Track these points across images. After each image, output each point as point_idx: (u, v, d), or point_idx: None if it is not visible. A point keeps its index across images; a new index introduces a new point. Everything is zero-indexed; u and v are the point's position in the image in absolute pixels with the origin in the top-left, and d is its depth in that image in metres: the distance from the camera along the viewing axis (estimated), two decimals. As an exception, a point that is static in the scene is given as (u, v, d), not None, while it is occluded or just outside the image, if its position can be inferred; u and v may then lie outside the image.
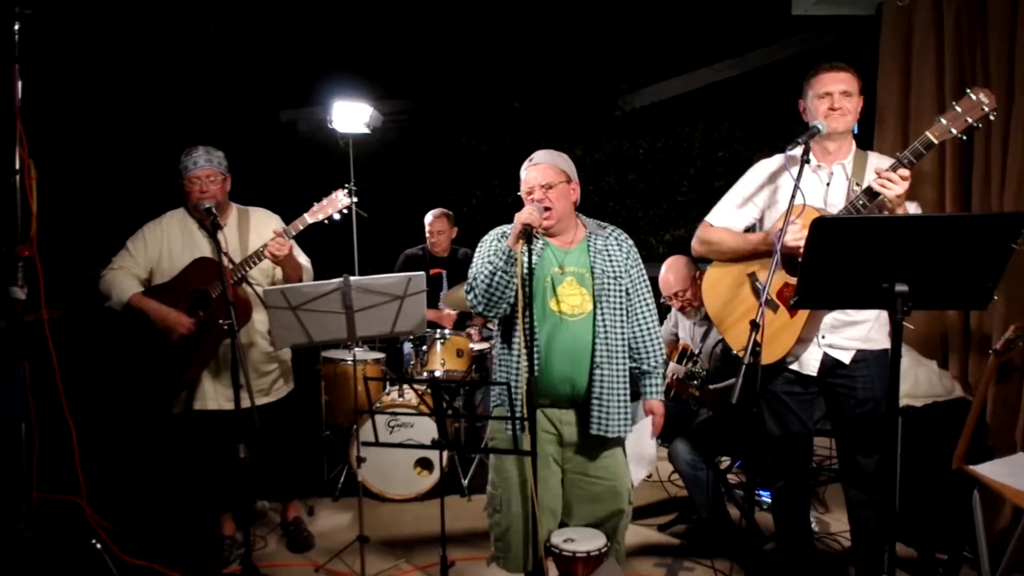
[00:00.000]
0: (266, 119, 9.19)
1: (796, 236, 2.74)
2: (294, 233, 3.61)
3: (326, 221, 3.66)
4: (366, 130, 5.40)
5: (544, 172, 2.96)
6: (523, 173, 3.02)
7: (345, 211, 3.66)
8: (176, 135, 6.53)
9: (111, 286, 3.62)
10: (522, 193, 3.01)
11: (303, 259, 3.83)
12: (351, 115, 5.31)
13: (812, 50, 8.69)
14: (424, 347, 4.84)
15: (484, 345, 5.13)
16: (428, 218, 5.66)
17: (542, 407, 2.95)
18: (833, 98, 2.88)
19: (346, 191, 3.65)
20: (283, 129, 9.47)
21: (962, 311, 3.95)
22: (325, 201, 3.64)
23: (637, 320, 3.04)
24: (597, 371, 2.89)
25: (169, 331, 3.56)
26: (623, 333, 2.96)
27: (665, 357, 3.22)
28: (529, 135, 8.48)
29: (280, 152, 8.45)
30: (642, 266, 3.10)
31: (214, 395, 3.69)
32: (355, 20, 9.49)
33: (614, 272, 2.97)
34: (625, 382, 2.97)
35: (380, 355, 5.10)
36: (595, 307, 2.93)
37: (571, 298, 2.93)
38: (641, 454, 3.12)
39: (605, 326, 2.91)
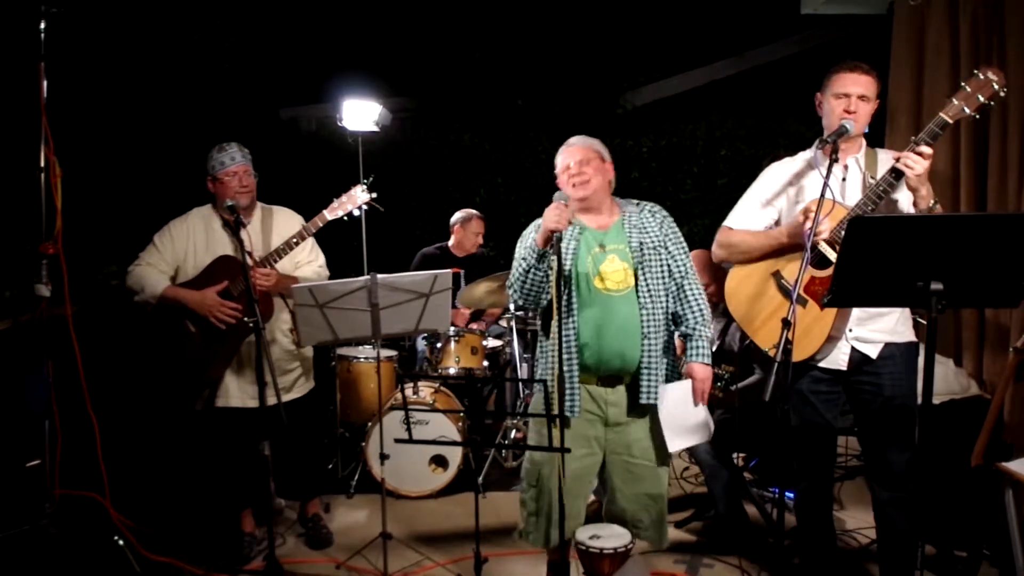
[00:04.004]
0: (268, 117, 9.16)
1: (823, 228, 2.75)
2: (313, 231, 3.66)
3: (345, 218, 3.70)
4: (375, 128, 5.40)
5: (578, 151, 3.06)
6: (558, 158, 3.10)
7: (364, 207, 3.70)
8: (185, 134, 6.53)
9: (142, 280, 3.61)
10: (557, 173, 3.08)
11: (319, 263, 3.86)
12: (360, 113, 5.31)
13: (814, 48, 8.69)
14: (438, 344, 4.85)
15: (498, 343, 5.15)
16: (458, 216, 5.64)
17: (587, 385, 3.01)
18: (850, 100, 2.90)
19: (363, 187, 3.70)
20: (284, 127, 9.44)
21: (977, 309, 3.99)
22: (344, 197, 3.68)
23: (679, 284, 3.07)
24: (646, 341, 2.95)
25: (210, 315, 3.55)
26: (665, 304, 3.02)
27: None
28: (531, 133, 8.48)
29: (282, 150, 8.40)
30: (679, 233, 3.14)
31: (237, 393, 3.70)
32: (356, 18, 9.47)
33: (652, 244, 3.03)
34: (667, 350, 3.04)
35: (393, 352, 5.11)
36: (637, 280, 2.98)
37: (615, 274, 2.99)
38: (684, 422, 3.03)
39: (651, 296, 2.97)
